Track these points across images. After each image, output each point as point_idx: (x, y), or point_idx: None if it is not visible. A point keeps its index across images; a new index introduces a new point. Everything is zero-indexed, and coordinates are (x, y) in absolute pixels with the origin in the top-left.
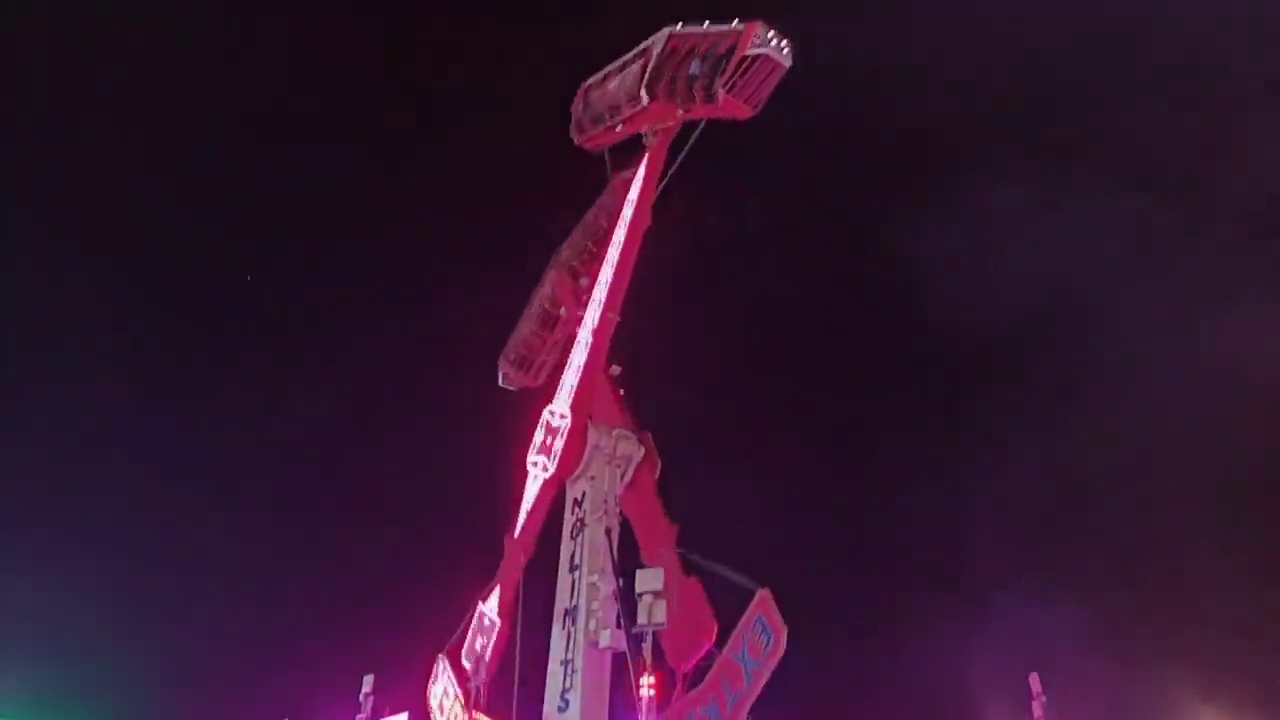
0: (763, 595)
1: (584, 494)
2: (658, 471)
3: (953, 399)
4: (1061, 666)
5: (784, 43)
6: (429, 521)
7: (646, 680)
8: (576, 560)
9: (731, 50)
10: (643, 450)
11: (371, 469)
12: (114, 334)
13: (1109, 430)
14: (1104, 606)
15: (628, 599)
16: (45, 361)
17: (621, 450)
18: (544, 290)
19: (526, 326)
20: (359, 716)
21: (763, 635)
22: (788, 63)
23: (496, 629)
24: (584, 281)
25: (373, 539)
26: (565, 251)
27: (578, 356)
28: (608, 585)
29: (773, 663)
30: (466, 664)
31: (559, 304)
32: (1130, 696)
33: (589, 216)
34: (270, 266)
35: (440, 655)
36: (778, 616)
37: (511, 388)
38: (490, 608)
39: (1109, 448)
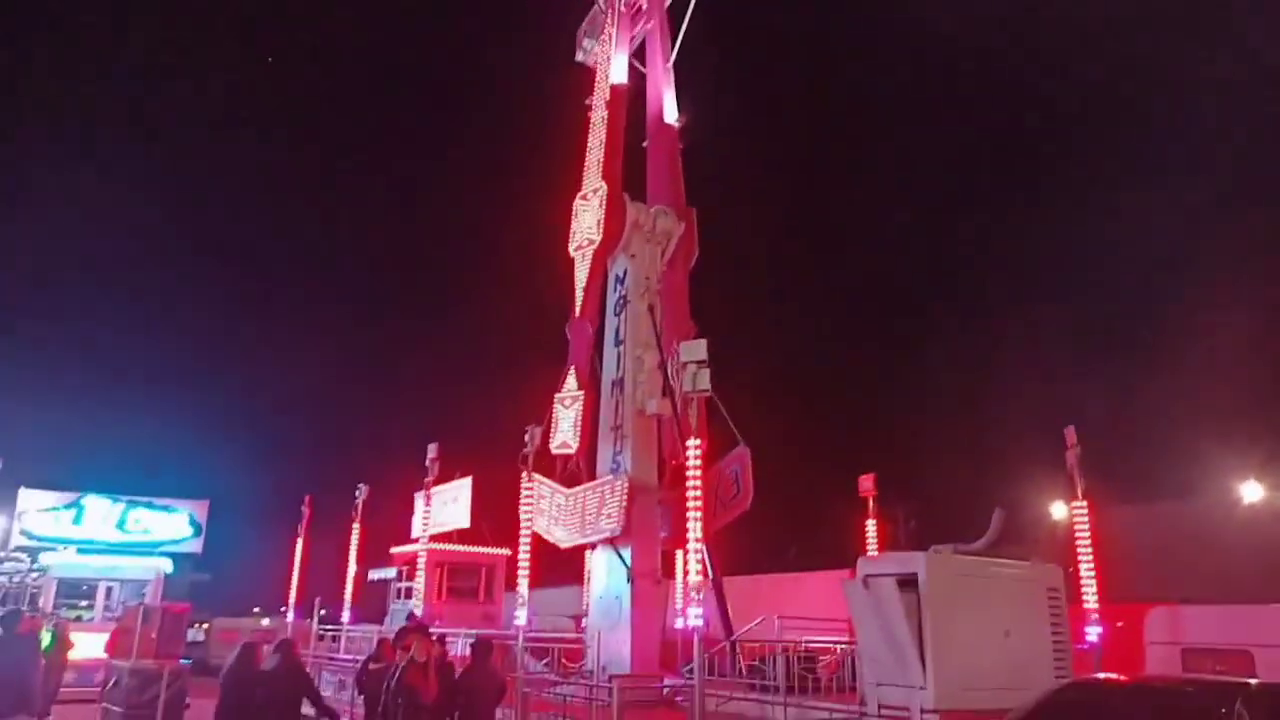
0: (741, 451)
1: (625, 271)
2: (694, 259)
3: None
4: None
5: None
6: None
7: (694, 443)
8: (621, 335)
9: None
10: (683, 226)
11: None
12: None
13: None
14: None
15: (672, 369)
16: None
17: (661, 226)
18: None
19: None
20: (427, 479)
21: (734, 485)
22: None
23: (580, 399)
24: None
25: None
26: None
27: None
28: (652, 357)
29: (734, 514)
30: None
31: None
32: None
33: None
34: None
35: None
36: (750, 477)
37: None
38: (569, 386)
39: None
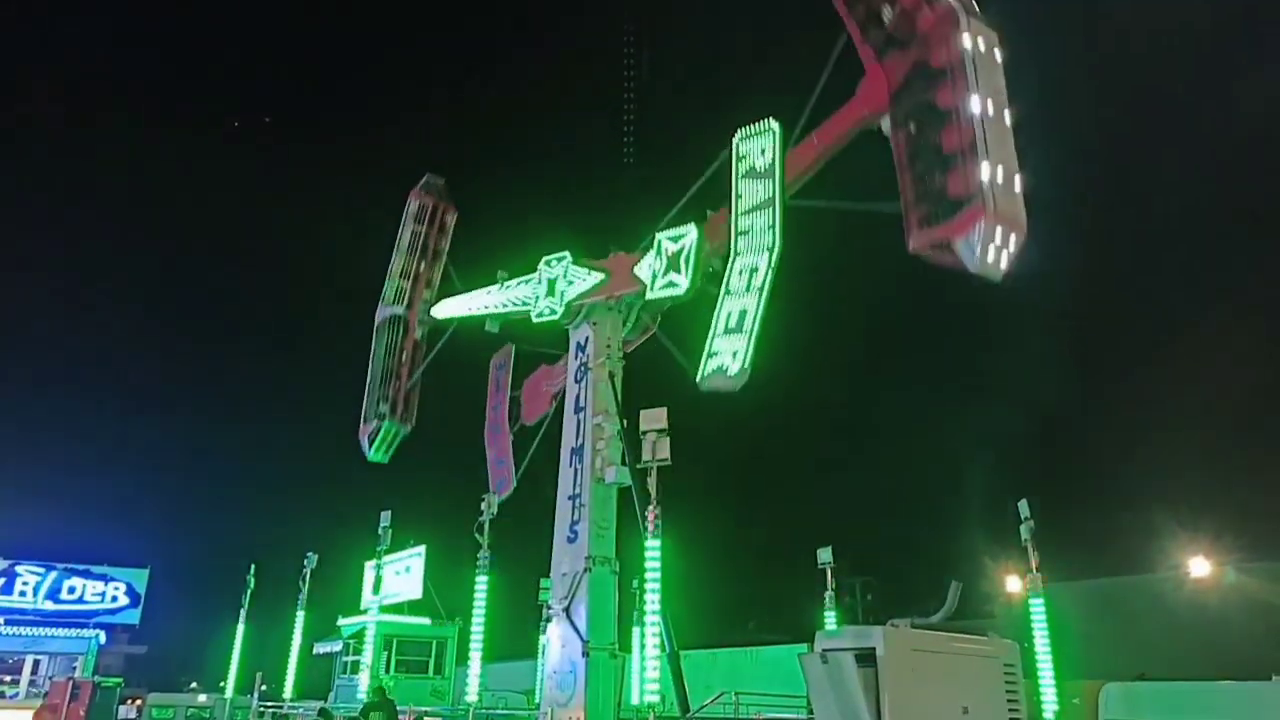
0: None
1: (586, 339)
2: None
3: None
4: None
5: None
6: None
7: (653, 510)
8: (581, 402)
9: None
10: (644, 298)
11: None
12: None
13: None
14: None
15: (631, 437)
16: None
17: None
18: None
19: None
20: (379, 548)
21: None
22: None
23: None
24: None
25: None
26: None
27: None
28: (611, 425)
29: None
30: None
31: None
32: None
33: None
34: None
35: None
36: None
37: None
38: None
39: None
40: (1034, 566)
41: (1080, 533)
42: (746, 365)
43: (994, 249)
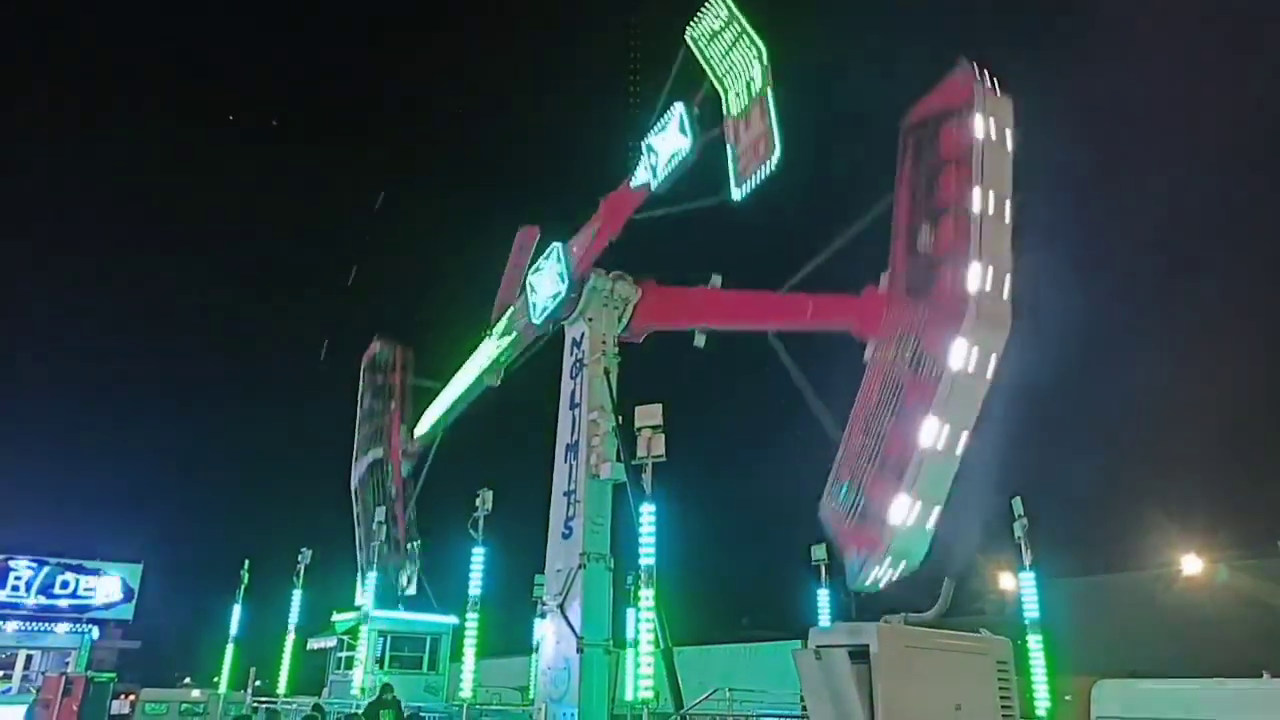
0: None
1: (582, 335)
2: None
3: None
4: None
5: None
6: None
7: (648, 508)
8: (576, 399)
9: None
10: (639, 292)
11: None
12: None
13: None
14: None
15: (625, 434)
16: None
17: (619, 291)
18: None
19: None
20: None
21: None
22: None
23: None
24: None
25: None
26: None
27: None
28: (606, 421)
29: None
30: None
31: None
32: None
33: None
34: None
35: None
36: None
37: None
38: None
39: None
40: (1027, 564)
41: (1074, 531)
42: (776, 143)
43: (875, 574)
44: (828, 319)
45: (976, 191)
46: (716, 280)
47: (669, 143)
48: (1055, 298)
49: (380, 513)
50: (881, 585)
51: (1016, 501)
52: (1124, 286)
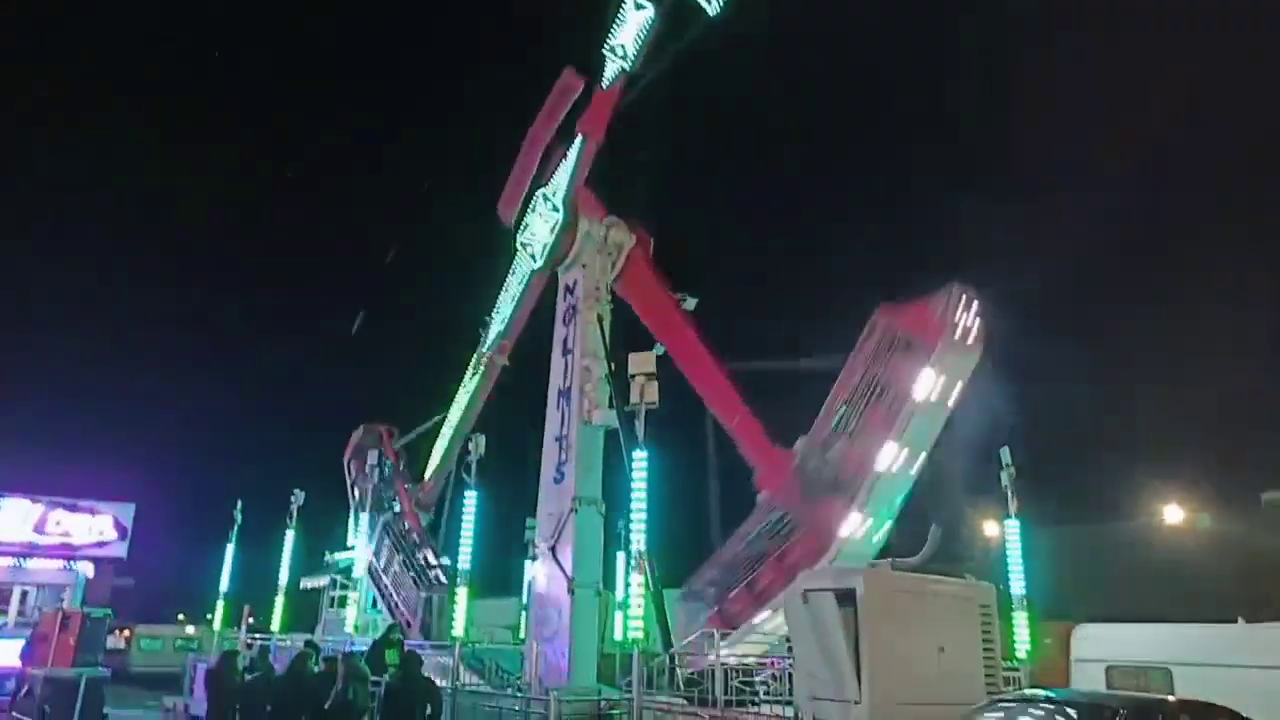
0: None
1: (576, 281)
2: (650, 249)
3: None
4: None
5: None
6: None
7: (640, 454)
8: (569, 345)
9: None
10: (634, 239)
11: None
12: None
13: None
14: None
15: (619, 380)
16: None
17: (613, 238)
18: None
19: None
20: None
21: None
22: None
23: None
24: None
25: None
26: None
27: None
28: (599, 368)
29: None
30: None
31: None
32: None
33: None
34: None
35: None
36: None
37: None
38: None
39: None
40: (1013, 512)
41: (1060, 480)
42: None
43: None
44: (746, 441)
45: (890, 448)
46: (690, 303)
47: (631, 25)
48: (1046, 245)
49: (414, 558)
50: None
51: (1004, 450)
52: (1112, 229)
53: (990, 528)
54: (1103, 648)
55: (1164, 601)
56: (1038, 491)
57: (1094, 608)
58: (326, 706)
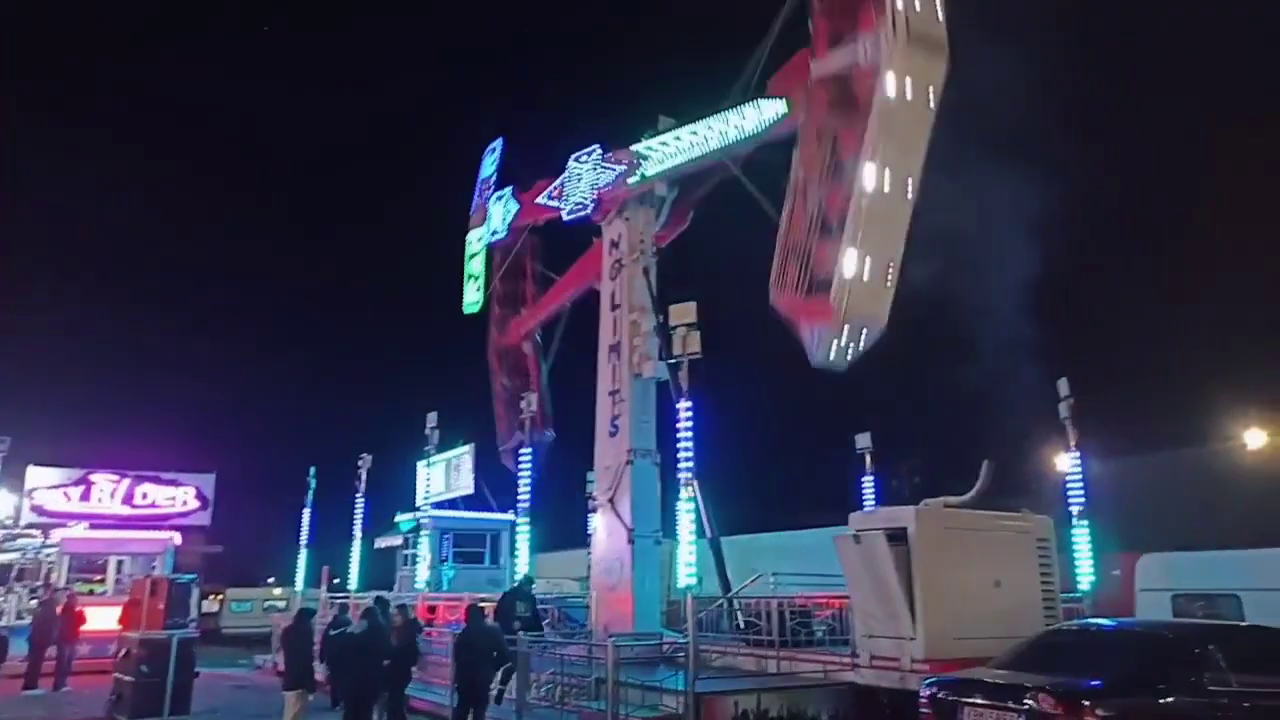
0: None
1: (620, 235)
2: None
3: None
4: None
5: None
6: None
7: (684, 404)
8: (617, 299)
9: None
10: (676, 190)
11: None
12: None
13: None
14: None
15: (665, 332)
16: None
17: (656, 188)
18: None
19: None
20: (427, 447)
21: None
22: None
23: None
24: None
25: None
26: None
27: None
28: (647, 321)
29: None
30: None
31: None
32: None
33: None
34: None
35: None
36: None
37: None
38: None
39: None
40: (1073, 444)
41: (1127, 408)
42: None
43: (836, 348)
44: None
45: (869, 168)
46: None
47: None
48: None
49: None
50: (848, 360)
51: (1062, 382)
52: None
53: (1054, 461)
54: (1169, 576)
55: (1243, 532)
56: (1105, 421)
57: (1168, 539)
58: (394, 646)
